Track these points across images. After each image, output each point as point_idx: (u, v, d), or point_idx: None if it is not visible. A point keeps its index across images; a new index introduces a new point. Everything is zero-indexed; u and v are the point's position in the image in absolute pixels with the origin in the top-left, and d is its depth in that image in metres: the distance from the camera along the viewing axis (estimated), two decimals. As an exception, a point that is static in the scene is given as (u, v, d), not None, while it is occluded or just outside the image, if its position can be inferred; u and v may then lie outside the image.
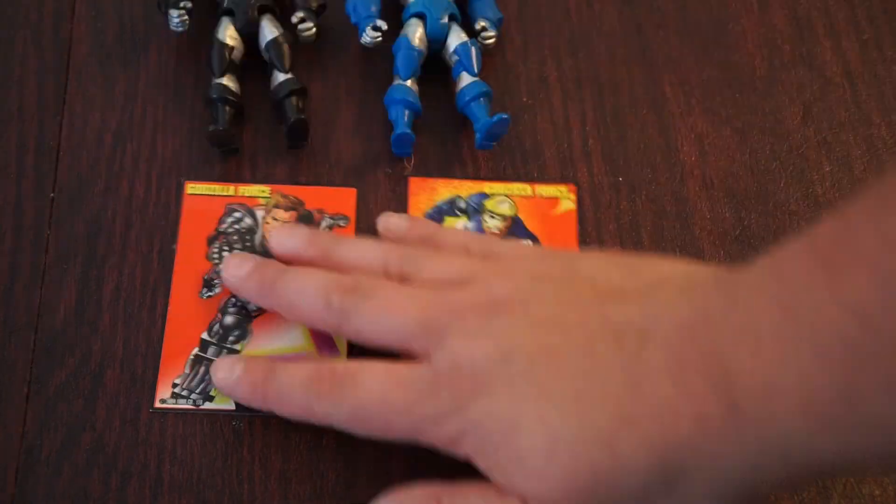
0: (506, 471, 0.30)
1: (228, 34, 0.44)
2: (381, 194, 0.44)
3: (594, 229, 0.43)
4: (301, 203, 0.43)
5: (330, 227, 0.42)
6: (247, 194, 0.43)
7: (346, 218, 0.43)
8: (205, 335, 0.40)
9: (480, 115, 0.43)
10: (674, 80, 0.47)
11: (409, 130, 0.43)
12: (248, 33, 0.45)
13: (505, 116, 0.42)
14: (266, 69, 0.45)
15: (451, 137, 0.45)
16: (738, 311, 0.27)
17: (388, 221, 0.41)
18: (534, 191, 0.43)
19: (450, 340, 0.32)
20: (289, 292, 0.36)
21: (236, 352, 0.40)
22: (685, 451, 0.27)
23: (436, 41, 0.45)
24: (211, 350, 0.40)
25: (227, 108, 0.43)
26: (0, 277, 0.42)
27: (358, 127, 0.45)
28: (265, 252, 0.41)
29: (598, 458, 0.28)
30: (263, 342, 0.40)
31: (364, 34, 0.45)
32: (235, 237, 0.42)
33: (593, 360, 0.29)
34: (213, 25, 0.45)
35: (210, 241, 0.42)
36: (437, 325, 0.32)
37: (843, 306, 0.24)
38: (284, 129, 0.43)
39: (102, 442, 0.39)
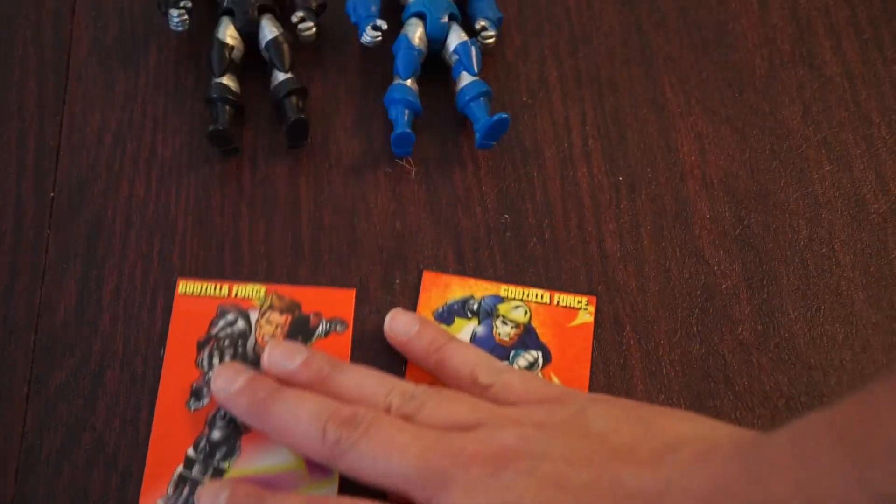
0: None
1: (228, 34, 0.44)
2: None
3: (594, 229, 0.43)
4: (297, 305, 0.41)
5: (327, 333, 0.40)
6: (241, 294, 0.41)
7: (343, 322, 0.41)
8: (190, 451, 0.38)
9: (480, 114, 0.43)
10: (674, 79, 0.47)
11: (408, 130, 0.43)
12: (248, 33, 0.45)
13: (505, 116, 0.42)
14: (266, 69, 0.45)
15: (451, 137, 0.45)
16: (759, 490, 0.27)
17: (396, 323, 0.39)
18: (552, 299, 0.41)
19: (452, 494, 0.30)
20: (282, 416, 0.35)
21: (223, 472, 0.38)
22: None
23: (436, 41, 0.45)
24: (196, 469, 0.38)
25: (227, 107, 0.43)
26: (0, 277, 0.42)
27: (358, 126, 0.45)
28: (256, 360, 0.39)
29: None
30: (253, 460, 0.38)
31: (364, 34, 0.45)
32: (227, 342, 0.40)
33: None
34: (213, 25, 0.45)
35: (200, 346, 0.40)
36: (438, 474, 0.31)
37: (869, 495, 0.24)
38: (284, 128, 0.43)
39: (102, 442, 0.39)
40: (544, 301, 0.41)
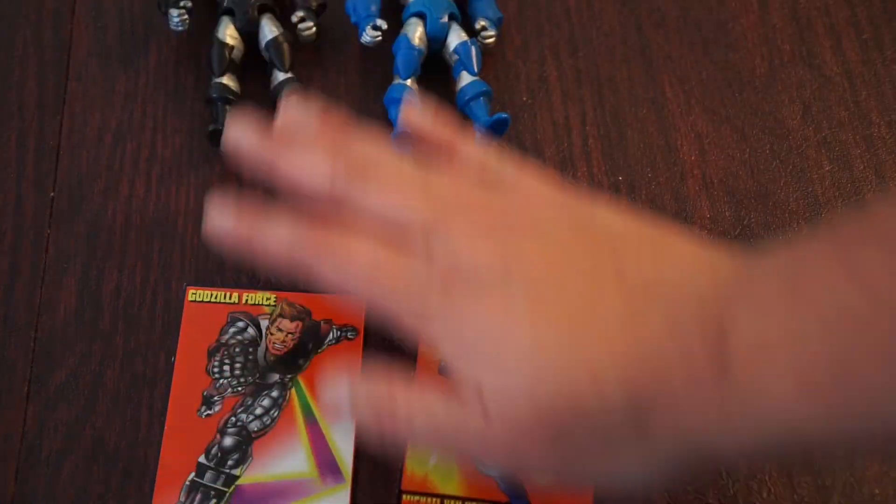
0: (476, 370, 0.29)
1: (228, 33, 0.44)
2: None
3: (594, 229, 0.43)
4: (308, 312, 0.41)
5: (338, 340, 0.41)
6: (251, 302, 0.41)
7: (354, 329, 0.41)
8: (202, 458, 0.38)
9: (480, 114, 0.43)
10: (673, 79, 0.47)
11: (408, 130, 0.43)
12: (248, 33, 0.45)
13: (505, 116, 0.42)
14: (266, 68, 0.45)
15: (450, 137, 0.45)
16: (746, 280, 0.27)
17: (410, 114, 0.36)
18: None
19: (455, 233, 0.30)
20: (296, 158, 0.32)
21: (235, 478, 0.38)
22: (664, 400, 0.27)
23: (436, 40, 0.45)
24: (208, 475, 0.38)
25: (227, 107, 0.43)
26: (0, 277, 0.42)
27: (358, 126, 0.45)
28: (268, 367, 0.40)
29: (579, 387, 0.28)
30: (265, 467, 0.38)
31: (364, 33, 0.45)
32: (238, 349, 0.40)
33: (597, 300, 0.29)
34: (213, 25, 0.45)
35: (211, 353, 0.40)
36: (443, 220, 0.30)
37: (850, 276, 0.24)
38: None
39: (102, 442, 0.39)
40: None
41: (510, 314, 0.29)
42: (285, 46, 0.44)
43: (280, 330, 0.41)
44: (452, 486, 0.38)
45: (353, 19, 0.46)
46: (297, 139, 0.33)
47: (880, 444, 0.26)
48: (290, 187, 0.33)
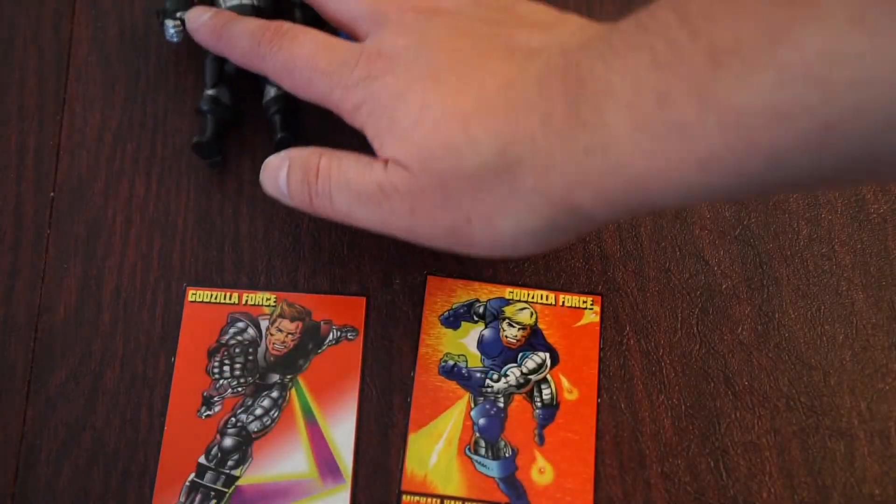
0: (381, 135, 0.34)
1: None
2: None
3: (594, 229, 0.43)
4: (308, 313, 0.41)
5: (338, 340, 0.41)
6: (251, 302, 0.41)
7: (354, 330, 0.41)
8: (202, 459, 0.38)
9: None
10: (674, 79, 0.47)
11: None
12: None
13: None
14: (260, 82, 0.44)
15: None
16: (608, 32, 0.30)
17: None
18: (557, 300, 0.42)
19: (385, 30, 0.35)
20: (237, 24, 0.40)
21: (235, 479, 0.38)
22: (526, 143, 0.30)
23: None
24: (208, 476, 0.38)
25: (215, 120, 0.43)
26: (0, 277, 0.42)
27: (362, 144, 0.45)
28: (268, 367, 0.40)
29: (452, 133, 0.32)
30: (265, 468, 0.38)
31: None
32: (237, 350, 0.40)
33: (483, 63, 0.33)
34: None
35: (211, 354, 0.40)
36: (382, 15, 0.36)
37: (678, 15, 0.26)
38: (273, 144, 0.43)
39: (102, 442, 0.39)
40: (550, 302, 0.42)
41: (409, 83, 0.33)
42: None
43: (280, 330, 0.41)
44: (452, 487, 0.38)
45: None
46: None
47: (701, 192, 0.28)
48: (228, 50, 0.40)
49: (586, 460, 0.39)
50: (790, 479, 0.39)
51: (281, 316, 0.41)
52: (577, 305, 0.41)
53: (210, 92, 0.43)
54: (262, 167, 0.38)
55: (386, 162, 0.34)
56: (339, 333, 0.41)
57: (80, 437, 0.39)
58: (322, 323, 0.41)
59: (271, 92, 0.43)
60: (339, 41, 0.37)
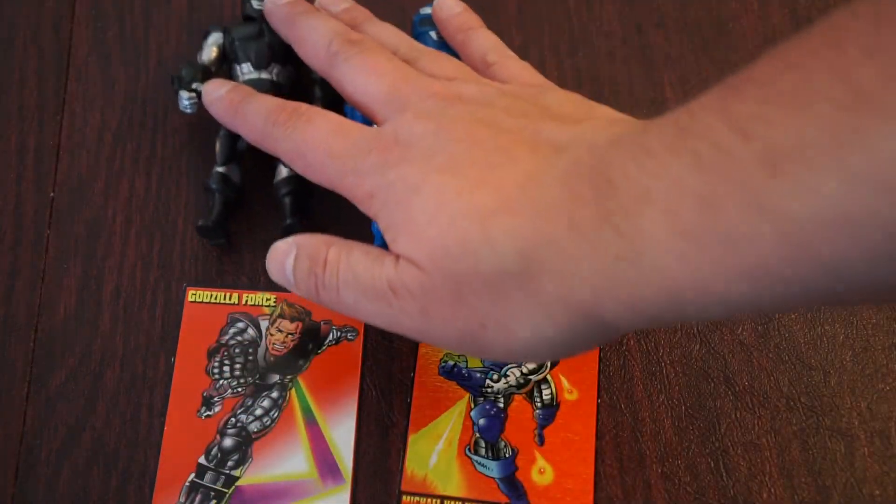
0: (395, 229, 0.32)
1: None
2: None
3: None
4: (308, 313, 0.41)
5: (338, 340, 0.41)
6: (251, 303, 0.41)
7: (354, 330, 0.41)
8: (202, 459, 0.38)
9: None
10: (674, 79, 0.47)
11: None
12: None
13: None
14: (272, 159, 0.41)
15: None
16: (641, 132, 0.28)
17: (444, 2, 0.42)
18: None
19: (404, 115, 0.34)
20: (303, 27, 0.39)
21: (235, 479, 0.38)
22: (549, 247, 0.28)
23: None
24: (208, 476, 0.38)
25: (223, 200, 0.41)
26: (0, 277, 0.42)
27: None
28: (268, 368, 0.40)
29: (469, 232, 0.29)
30: (265, 468, 0.38)
31: None
32: (238, 350, 0.40)
33: (505, 157, 0.31)
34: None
35: (211, 354, 0.40)
36: (402, 99, 0.34)
37: (725, 117, 0.25)
38: (281, 228, 0.41)
39: (102, 442, 0.39)
40: None
41: (426, 174, 0.31)
42: None
43: (280, 331, 0.41)
44: (452, 487, 0.38)
45: (348, 117, 0.43)
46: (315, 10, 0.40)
47: (744, 303, 0.26)
48: (296, 42, 0.39)
49: (586, 460, 0.39)
50: (790, 480, 0.39)
51: (281, 316, 0.41)
52: None
53: (220, 169, 0.42)
54: (269, 252, 0.36)
55: (397, 258, 0.31)
56: (338, 334, 0.41)
57: (79, 438, 0.39)
58: (322, 323, 0.41)
59: (283, 172, 0.42)
60: (354, 125, 0.35)
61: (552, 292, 0.28)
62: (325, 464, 0.38)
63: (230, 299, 0.41)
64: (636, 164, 0.27)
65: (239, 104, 0.38)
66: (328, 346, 0.41)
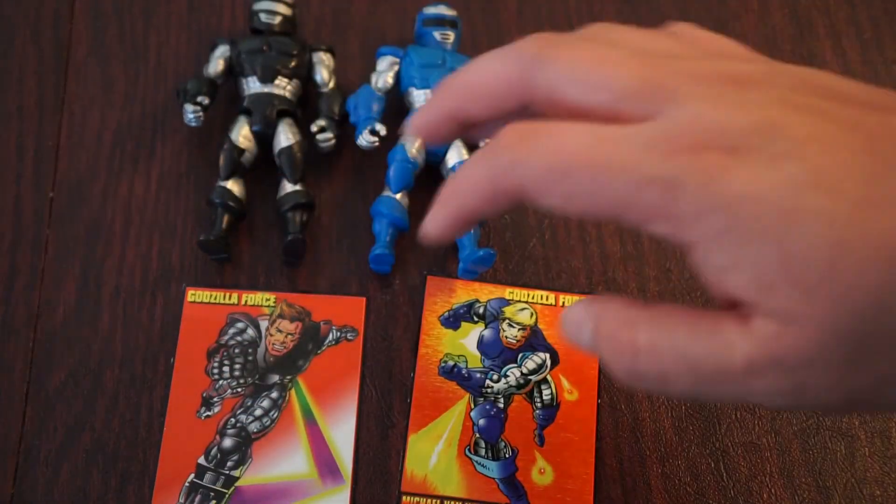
0: (759, 273, 0.23)
1: (242, 135, 0.42)
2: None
3: (594, 229, 0.43)
4: (308, 313, 0.41)
5: (338, 340, 0.40)
6: (251, 303, 0.41)
7: (354, 330, 0.41)
8: (201, 460, 0.38)
9: (468, 243, 0.41)
10: (674, 79, 0.47)
11: (387, 251, 0.41)
12: (265, 135, 0.42)
13: (492, 252, 0.40)
14: (277, 175, 0.43)
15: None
16: None
17: None
18: (557, 300, 0.42)
19: (687, 102, 0.24)
20: (472, 70, 0.29)
21: (234, 479, 0.38)
22: None
23: (434, 154, 0.42)
24: (207, 477, 0.38)
25: (226, 214, 0.41)
26: (0, 277, 0.41)
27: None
28: (266, 368, 0.40)
29: (883, 276, 0.21)
30: (264, 468, 0.38)
31: (361, 136, 0.42)
32: (237, 350, 0.40)
33: (875, 160, 0.23)
34: (228, 123, 0.43)
35: (210, 354, 0.40)
36: (665, 86, 0.25)
37: None
38: (282, 244, 0.41)
39: (102, 442, 0.39)
40: (550, 302, 0.41)
41: (791, 192, 0.22)
42: (299, 157, 0.42)
43: (280, 331, 0.41)
44: (452, 487, 0.38)
45: (351, 118, 0.43)
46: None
47: None
48: (477, 100, 0.28)
49: (586, 461, 0.39)
50: (791, 480, 0.39)
51: (280, 316, 0.41)
52: None
53: (223, 184, 0.42)
54: (562, 316, 0.27)
55: (746, 319, 0.23)
56: (338, 334, 0.41)
57: (79, 438, 0.39)
58: (322, 323, 0.41)
59: (287, 187, 0.42)
60: (613, 127, 0.25)
61: None
62: (325, 464, 0.38)
63: (230, 299, 0.41)
64: None
65: (453, 199, 0.27)
66: (328, 346, 0.40)
